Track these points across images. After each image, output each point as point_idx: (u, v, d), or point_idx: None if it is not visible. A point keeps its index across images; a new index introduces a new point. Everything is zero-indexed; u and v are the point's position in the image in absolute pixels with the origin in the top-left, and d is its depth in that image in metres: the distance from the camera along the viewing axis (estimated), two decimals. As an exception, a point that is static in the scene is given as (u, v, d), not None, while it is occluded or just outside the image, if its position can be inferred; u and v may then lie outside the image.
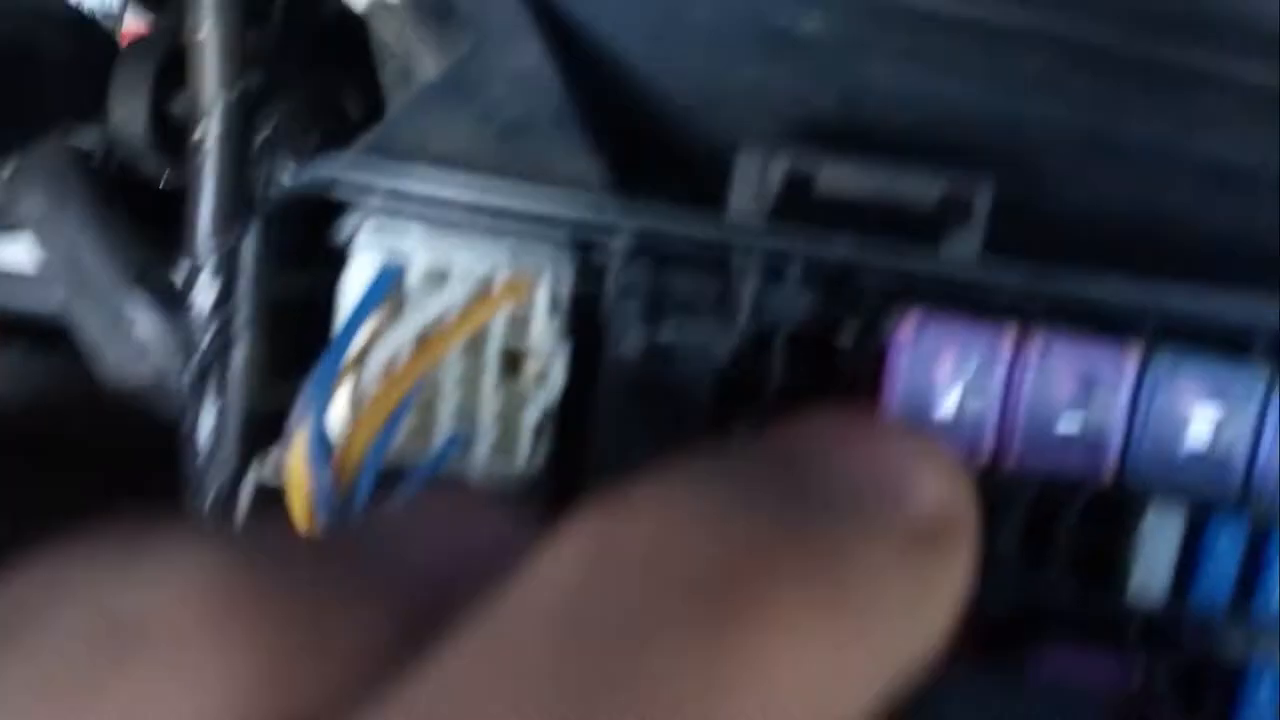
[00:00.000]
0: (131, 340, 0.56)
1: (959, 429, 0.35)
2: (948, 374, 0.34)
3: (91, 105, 0.58)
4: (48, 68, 0.55)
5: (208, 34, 0.53)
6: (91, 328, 0.60)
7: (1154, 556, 0.36)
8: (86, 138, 0.60)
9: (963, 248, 0.37)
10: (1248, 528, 0.36)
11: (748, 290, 0.37)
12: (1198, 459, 0.35)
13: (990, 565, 0.37)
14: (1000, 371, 0.34)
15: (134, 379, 0.56)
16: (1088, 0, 0.35)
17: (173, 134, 0.57)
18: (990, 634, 0.37)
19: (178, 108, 0.56)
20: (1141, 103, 0.37)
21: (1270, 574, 0.36)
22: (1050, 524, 0.37)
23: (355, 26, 0.57)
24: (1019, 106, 0.38)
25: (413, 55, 0.52)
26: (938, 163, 0.38)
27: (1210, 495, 0.36)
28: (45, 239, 0.59)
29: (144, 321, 0.55)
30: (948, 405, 0.34)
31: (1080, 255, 0.37)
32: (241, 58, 0.54)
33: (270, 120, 0.61)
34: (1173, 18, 0.34)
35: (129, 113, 0.56)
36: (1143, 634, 0.38)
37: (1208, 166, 0.39)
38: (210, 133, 0.54)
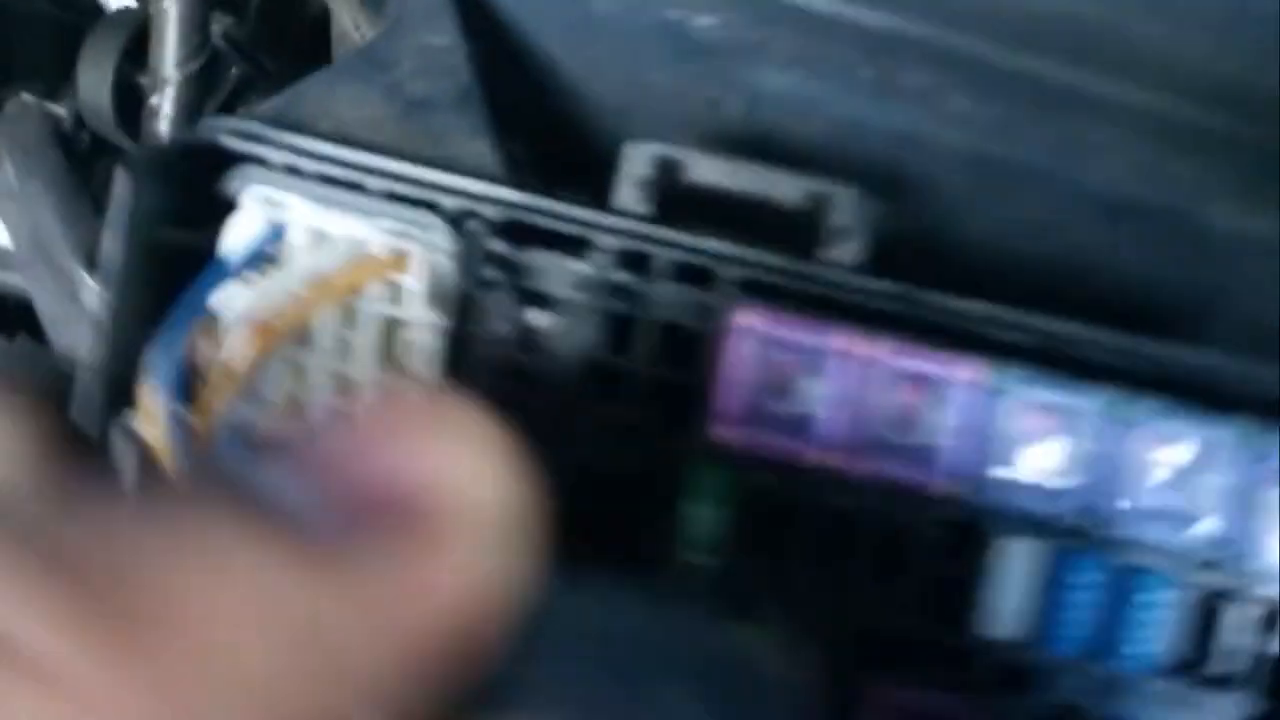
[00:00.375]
0: (83, 315, 0.56)
1: (790, 424, 0.33)
2: (783, 367, 0.33)
3: (65, 70, 0.58)
4: (21, 26, 0.56)
5: (169, 6, 0.53)
6: (48, 302, 0.60)
7: (1005, 588, 0.34)
8: (61, 106, 0.61)
9: (839, 256, 0.36)
10: (1107, 564, 0.34)
11: (613, 275, 0.36)
12: (1037, 481, 0.33)
13: (834, 590, 0.35)
14: (835, 371, 0.33)
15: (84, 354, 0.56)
16: (964, 11, 0.34)
17: (137, 106, 0.57)
18: (827, 666, 0.35)
19: (144, 80, 0.57)
20: (1026, 126, 0.36)
21: (1133, 615, 0.34)
22: (901, 554, 0.35)
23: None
24: (910, 122, 0.37)
25: (362, 39, 0.52)
26: (841, 179, 0.37)
27: (1055, 518, 0.34)
28: (14, 212, 0.60)
29: (92, 296, 0.55)
30: (782, 399, 0.33)
31: (990, 294, 0.36)
32: (202, 33, 0.54)
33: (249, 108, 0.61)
34: (1052, 35, 0.33)
35: (95, 82, 0.56)
36: (994, 675, 0.36)
37: (1105, 201, 0.37)
38: (166, 104, 0.55)
